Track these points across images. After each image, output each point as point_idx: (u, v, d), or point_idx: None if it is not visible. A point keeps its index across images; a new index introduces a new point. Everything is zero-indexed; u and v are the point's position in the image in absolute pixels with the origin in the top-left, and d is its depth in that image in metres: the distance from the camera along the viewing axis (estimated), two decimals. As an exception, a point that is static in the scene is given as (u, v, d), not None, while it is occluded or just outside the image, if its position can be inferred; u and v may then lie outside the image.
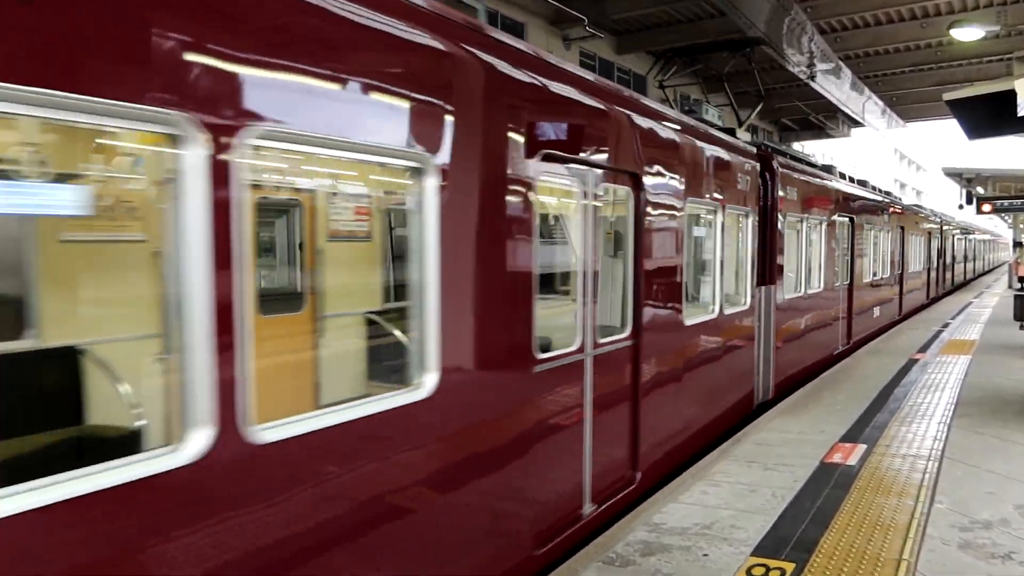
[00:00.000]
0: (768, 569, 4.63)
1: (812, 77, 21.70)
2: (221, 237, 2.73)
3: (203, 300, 2.67)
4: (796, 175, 10.70)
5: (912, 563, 4.69)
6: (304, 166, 5.19)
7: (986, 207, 25.16)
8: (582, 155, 5.20)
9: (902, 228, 19.64)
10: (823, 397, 9.75)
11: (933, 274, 27.13)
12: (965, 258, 42.33)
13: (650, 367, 6.26)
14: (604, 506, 5.54)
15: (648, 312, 6.19)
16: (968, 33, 17.18)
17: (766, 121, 32.67)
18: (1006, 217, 41.93)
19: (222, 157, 2.72)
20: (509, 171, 4.39)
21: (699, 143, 7.36)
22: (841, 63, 23.43)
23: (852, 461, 6.84)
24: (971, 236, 45.84)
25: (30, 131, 3.42)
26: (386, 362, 5.09)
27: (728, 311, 8.23)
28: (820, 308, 12.13)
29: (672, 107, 7.99)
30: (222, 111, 2.72)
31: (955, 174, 29.75)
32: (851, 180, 15.38)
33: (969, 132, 11.11)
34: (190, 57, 2.62)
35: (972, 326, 17.76)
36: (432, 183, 3.73)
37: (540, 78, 4.77)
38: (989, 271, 60.81)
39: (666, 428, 6.70)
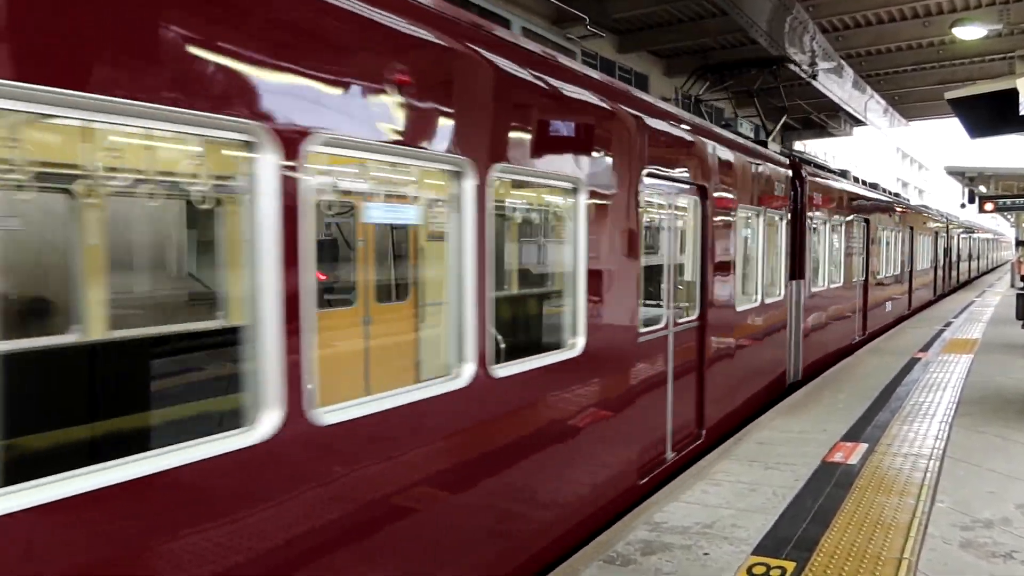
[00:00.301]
0: (769, 568, 4.63)
1: (814, 76, 21.66)
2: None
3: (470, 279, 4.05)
4: (820, 181, 11.90)
5: (913, 562, 4.69)
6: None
7: (988, 206, 25.10)
8: (671, 173, 6.57)
9: (911, 228, 20.72)
10: (824, 396, 9.74)
11: (940, 272, 28.29)
12: (969, 257, 43.03)
13: (712, 344, 7.62)
14: (680, 454, 6.91)
15: (711, 299, 7.56)
16: (970, 32, 17.15)
17: (768, 120, 32.61)
18: (1008, 216, 41.86)
19: (482, 184, 4.06)
20: (628, 187, 5.75)
21: (746, 157, 8.69)
22: (843, 62, 23.39)
23: (853, 460, 6.83)
24: (974, 235, 46.31)
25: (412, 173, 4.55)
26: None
27: (767, 301, 9.55)
28: (840, 302, 13.38)
29: (709, 120, 9.38)
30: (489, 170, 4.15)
31: (957, 173, 29.70)
32: (863, 183, 16.47)
33: (971, 131, 11.09)
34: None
35: (974, 325, 17.73)
36: (582, 198, 5.12)
37: (651, 118, 6.20)
38: (992, 270, 60.73)
39: (722, 395, 8.02)
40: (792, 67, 18.89)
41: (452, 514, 4.00)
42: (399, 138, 3.53)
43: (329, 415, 3.18)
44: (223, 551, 2.79)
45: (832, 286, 12.66)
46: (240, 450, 2.81)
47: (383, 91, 3.43)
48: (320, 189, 3.80)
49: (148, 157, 3.74)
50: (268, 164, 2.90)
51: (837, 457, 6.94)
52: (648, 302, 6.41)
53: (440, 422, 3.87)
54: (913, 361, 12.39)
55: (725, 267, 7.91)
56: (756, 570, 4.60)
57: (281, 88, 2.95)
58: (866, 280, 15.22)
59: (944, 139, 78.10)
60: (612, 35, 21.40)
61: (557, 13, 18.42)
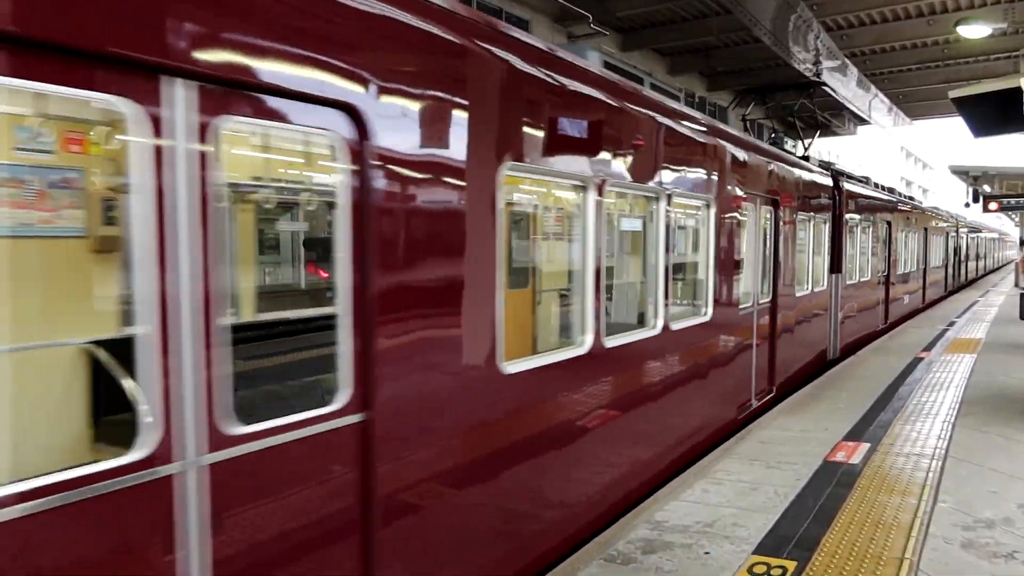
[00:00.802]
0: (769, 567, 4.62)
1: (818, 75, 21.61)
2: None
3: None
4: (854, 189, 14.00)
5: (914, 562, 4.68)
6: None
7: (992, 205, 25.04)
8: (755, 190, 8.76)
9: (925, 229, 23.11)
10: (827, 395, 9.73)
11: (950, 269, 30.89)
12: (976, 256, 44.27)
13: (780, 319, 9.82)
14: (760, 402, 9.22)
15: (780, 285, 9.75)
16: (975, 30, 17.08)
17: (772, 119, 32.54)
18: (1012, 215, 41.76)
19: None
20: (735, 203, 8.04)
21: (801, 172, 10.81)
22: (847, 61, 23.32)
23: (855, 460, 6.83)
24: (980, 234, 46.99)
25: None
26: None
27: (816, 289, 11.72)
28: (868, 294, 15.72)
29: (750, 134, 11.34)
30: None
31: (961, 172, 29.65)
32: (882, 188, 18.30)
33: (975, 130, 11.06)
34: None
35: (978, 325, 17.69)
36: (713, 211, 7.49)
37: (746, 151, 8.40)
38: (997, 269, 60.66)
39: (787, 360, 10.25)
40: (825, 88, 19.94)
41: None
42: (630, 178, 5.83)
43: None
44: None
45: (862, 280, 14.91)
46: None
47: (631, 152, 5.79)
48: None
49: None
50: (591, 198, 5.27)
51: (839, 456, 6.93)
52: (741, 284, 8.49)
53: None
54: (916, 361, 12.37)
55: (789, 260, 10.13)
56: (757, 569, 4.60)
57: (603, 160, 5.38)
58: (888, 276, 17.48)
59: (948, 138, 77.90)
60: (615, 33, 21.34)
61: (561, 11, 18.41)
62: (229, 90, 2.85)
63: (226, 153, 2.89)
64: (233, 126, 2.94)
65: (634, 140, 5.84)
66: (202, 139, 2.76)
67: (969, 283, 38.45)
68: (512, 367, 4.43)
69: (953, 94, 9.29)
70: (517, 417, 4.59)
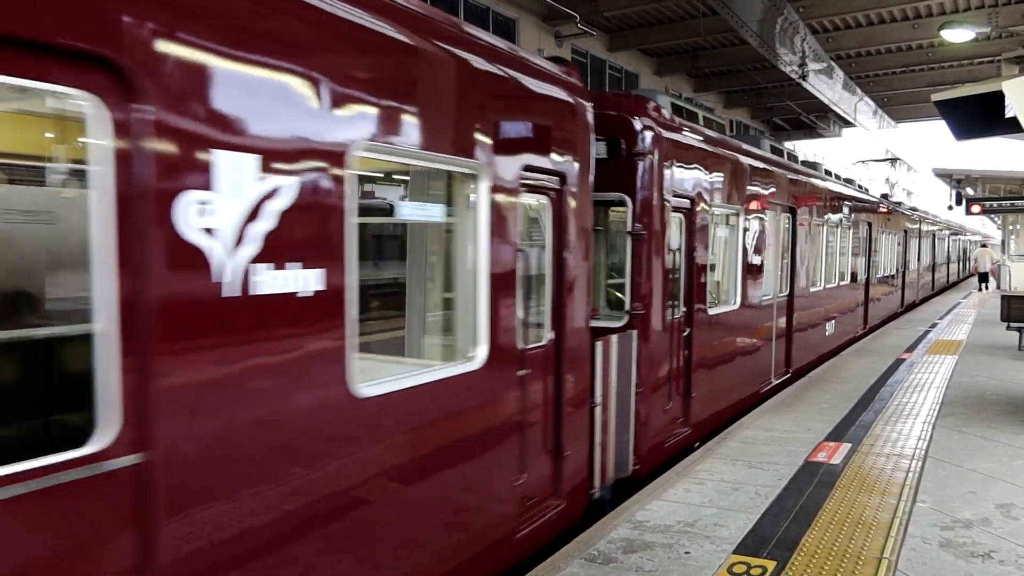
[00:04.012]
0: (749, 567, 4.63)
1: (804, 77, 21.72)
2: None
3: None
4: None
5: (893, 561, 4.70)
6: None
7: (975, 208, 25.27)
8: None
9: (933, 235, 27.88)
10: (810, 396, 9.78)
11: (953, 266, 37.98)
12: (959, 258, 46.86)
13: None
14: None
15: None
16: (959, 34, 17.18)
17: (758, 120, 32.70)
18: (995, 218, 42.21)
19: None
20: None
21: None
22: (833, 63, 23.47)
23: (836, 460, 6.86)
24: (964, 237, 49.07)
25: None
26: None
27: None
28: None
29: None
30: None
31: (945, 175, 29.90)
32: (888, 199, 22.02)
33: (957, 133, 11.10)
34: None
35: (960, 326, 17.83)
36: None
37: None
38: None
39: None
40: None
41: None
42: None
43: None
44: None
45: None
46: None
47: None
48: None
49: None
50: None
51: (820, 457, 6.96)
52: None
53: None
54: (898, 362, 12.45)
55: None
56: (737, 569, 4.61)
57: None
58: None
59: (932, 141, 78.50)
60: (603, 33, 21.37)
61: (548, 10, 18.39)
62: None
63: None
64: None
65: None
66: None
67: (961, 280, 41.78)
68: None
69: (936, 97, 9.32)
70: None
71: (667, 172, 6.83)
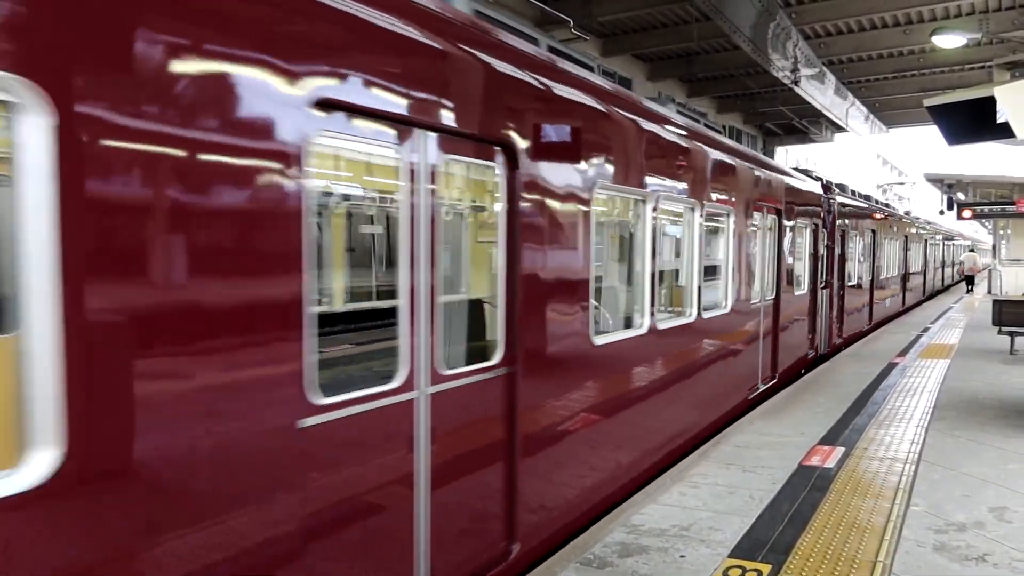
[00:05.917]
0: (744, 570, 4.63)
1: (796, 82, 21.80)
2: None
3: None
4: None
5: (888, 565, 4.71)
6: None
7: (966, 213, 25.42)
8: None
9: (926, 240, 29.85)
10: (804, 400, 9.80)
11: (948, 270, 41.55)
12: (953, 263, 48.57)
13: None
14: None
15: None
16: (950, 40, 17.29)
17: (750, 126, 32.80)
18: (986, 224, 42.44)
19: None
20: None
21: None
22: (825, 69, 23.56)
23: (830, 464, 6.87)
24: (957, 242, 50.53)
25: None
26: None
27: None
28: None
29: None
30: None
31: (937, 180, 30.05)
32: (890, 207, 24.16)
33: (949, 138, 11.19)
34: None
35: (952, 331, 17.91)
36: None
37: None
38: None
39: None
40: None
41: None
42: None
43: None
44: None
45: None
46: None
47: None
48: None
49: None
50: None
51: (814, 461, 6.98)
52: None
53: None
54: (891, 366, 12.49)
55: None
56: (732, 572, 4.61)
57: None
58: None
59: (924, 146, 78.97)
60: (596, 38, 21.41)
61: (542, 15, 18.42)
62: None
63: None
64: None
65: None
66: None
67: (955, 283, 44.13)
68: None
69: (928, 102, 9.41)
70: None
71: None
